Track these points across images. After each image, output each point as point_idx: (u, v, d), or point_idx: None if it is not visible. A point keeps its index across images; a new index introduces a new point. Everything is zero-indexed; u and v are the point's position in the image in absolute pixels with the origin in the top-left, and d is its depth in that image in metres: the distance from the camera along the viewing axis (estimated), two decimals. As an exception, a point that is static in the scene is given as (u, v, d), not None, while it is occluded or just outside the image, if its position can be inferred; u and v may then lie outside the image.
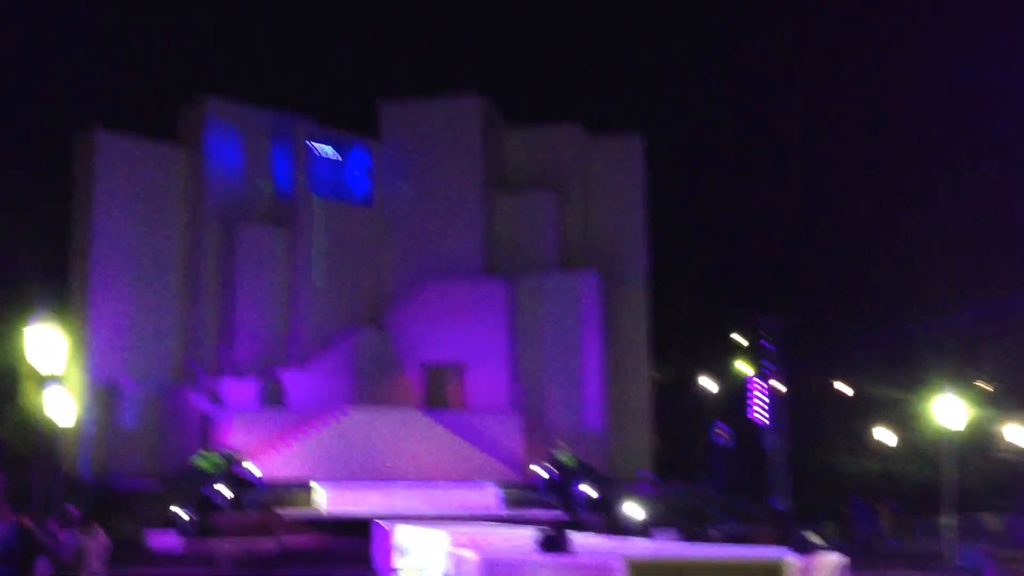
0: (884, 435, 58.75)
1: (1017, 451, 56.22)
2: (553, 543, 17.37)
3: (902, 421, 56.23)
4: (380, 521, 30.28)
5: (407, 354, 45.46)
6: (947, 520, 27.77)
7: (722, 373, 59.78)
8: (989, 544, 28.17)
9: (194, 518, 32.24)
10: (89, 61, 59.94)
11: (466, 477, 38.49)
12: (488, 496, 36.30)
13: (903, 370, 54.03)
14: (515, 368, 44.67)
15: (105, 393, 41.39)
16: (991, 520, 49.19)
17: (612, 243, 48.01)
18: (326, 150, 47.33)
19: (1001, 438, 55.22)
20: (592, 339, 44.85)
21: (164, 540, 30.68)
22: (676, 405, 57.06)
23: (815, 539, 17.66)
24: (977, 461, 53.75)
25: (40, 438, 16.73)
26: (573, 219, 48.06)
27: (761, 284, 60.71)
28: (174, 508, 32.45)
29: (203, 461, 35.52)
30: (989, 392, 56.22)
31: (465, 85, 49.38)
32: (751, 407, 51.22)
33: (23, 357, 17.84)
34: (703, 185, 63.69)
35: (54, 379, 20.49)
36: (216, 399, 41.43)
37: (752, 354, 55.46)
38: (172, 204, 44.63)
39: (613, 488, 38.58)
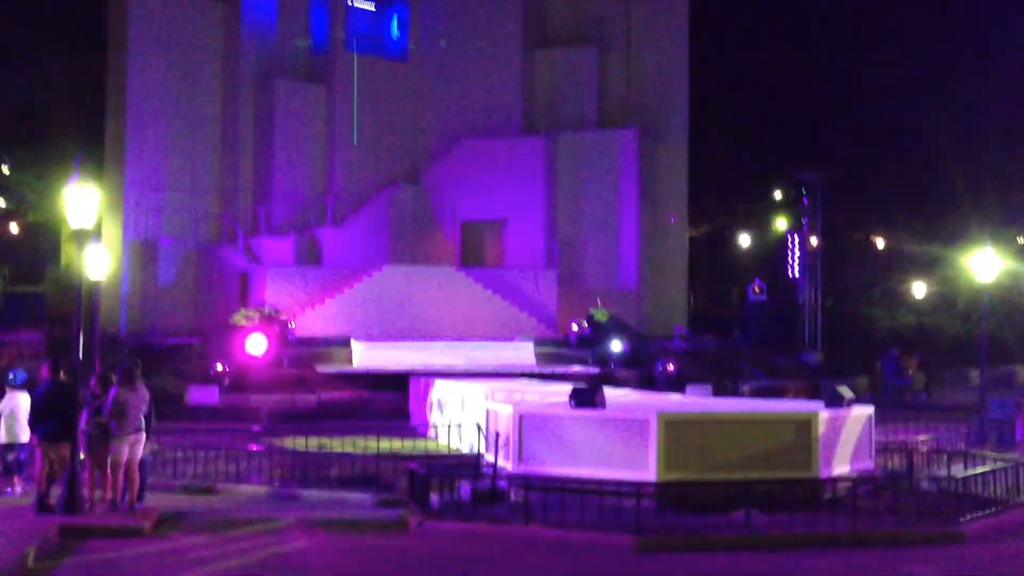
0: (919, 289, 58.68)
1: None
2: (586, 398, 17.71)
3: (937, 275, 56.16)
4: (418, 376, 30.92)
5: (444, 211, 45.58)
6: (979, 372, 27.94)
7: (759, 229, 59.65)
8: (1020, 395, 28.38)
9: (234, 374, 32.89)
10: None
11: (502, 334, 38.93)
12: (523, 352, 36.75)
13: (940, 224, 53.72)
14: (552, 226, 44.74)
15: (143, 251, 41.88)
16: (1022, 372, 49.47)
17: (652, 100, 47.38)
18: (365, 4, 46.72)
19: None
20: (629, 196, 44.73)
21: (203, 395, 31.33)
22: (712, 262, 57.19)
23: (846, 392, 17.91)
24: (1011, 314, 53.78)
25: (78, 295, 16.98)
26: (614, 75, 47.38)
27: (800, 139, 60.06)
28: (214, 364, 33.09)
29: (243, 319, 36.06)
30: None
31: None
32: (789, 263, 51.22)
33: (64, 216, 18.05)
34: (746, 40, 62.47)
35: (92, 235, 20.78)
36: (253, 257, 41.85)
37: (790, 209, 55.24)
38: (208, 60, 44.32)
39: (647, 344, 38.93)
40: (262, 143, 44.37)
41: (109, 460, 16.09)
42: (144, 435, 16.55)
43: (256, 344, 33.78)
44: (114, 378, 16.57)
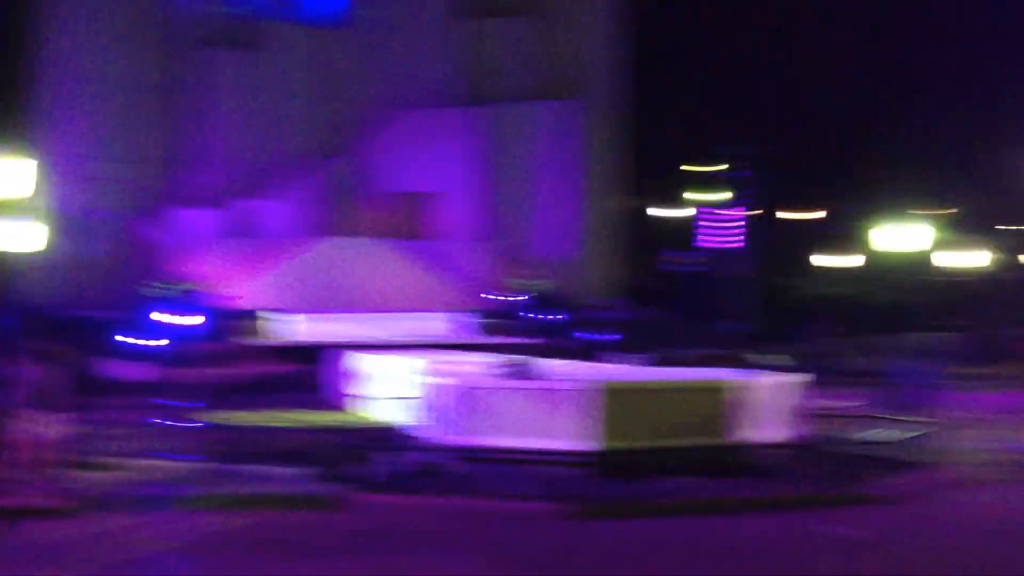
0: (845, 261, 59.79)
1: (972, 273, 57.61)
2: (523, 368, 17.84)
3: (865, 245, 57.17)
4: (352, 349, 30.78)
5: (381, 184, 45.28)
6: (899, 340, 28.66)
7: (697, 200, 60.24)
8: (936, 360, 29.16)
9: (162, 347, 32.50)
10: None
11: (440, 306, 38.89)
12: (462, 324, 36.79)
13: (872, 195, 54.61)
14: (491, 197, 44.70)
15: (72, 222, 41.11)
16: (941, 338, 50.75)
17: (592, 70, 47.40)
18: None
19: (960, 262, 56.47)
20: (569, 167, 44.83)
21: (131, 370, 30.91)
22: (652, 232, 57.66)
23: (779, 360, 18.24)
24: (936, 284, 55.00)
25: (2, 270, 16.57)
26: (550, 47, 47.31)
27: (740, 111, 60.58)
28: (141, 337, 32.66)
29: (176, 291, 35.64)
30: (943, 217, 57.16)
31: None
32: (726, 234, 51.86)
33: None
34: (686, 16, 62.71)
35: (15, 208, 20.35)
36: (181, 228, 41.33)
37: (729, 181, 55.87)
38: (138, 27, 43.48)
39: (587, 314, 39.12)
40: (191, 113, 43.75)
41: (19, 439, 15.74)
42: (58, 412, 16.16)
43: (180, 317, 33.44)
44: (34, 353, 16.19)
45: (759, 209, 50.56)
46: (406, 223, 45.16)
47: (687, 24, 62.41)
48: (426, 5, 46.07)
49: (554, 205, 44.65)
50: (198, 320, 34.16)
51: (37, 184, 18.10)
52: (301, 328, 34.77)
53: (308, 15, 46.20)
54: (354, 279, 39.22)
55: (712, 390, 17.54)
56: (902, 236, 28.43)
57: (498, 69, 46.58)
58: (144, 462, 18.74)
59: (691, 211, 57.95)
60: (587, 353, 33.83)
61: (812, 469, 16.51)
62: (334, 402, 26.66)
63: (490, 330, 36.96)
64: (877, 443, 17.23)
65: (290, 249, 39.50)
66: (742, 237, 50.63)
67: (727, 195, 52.58)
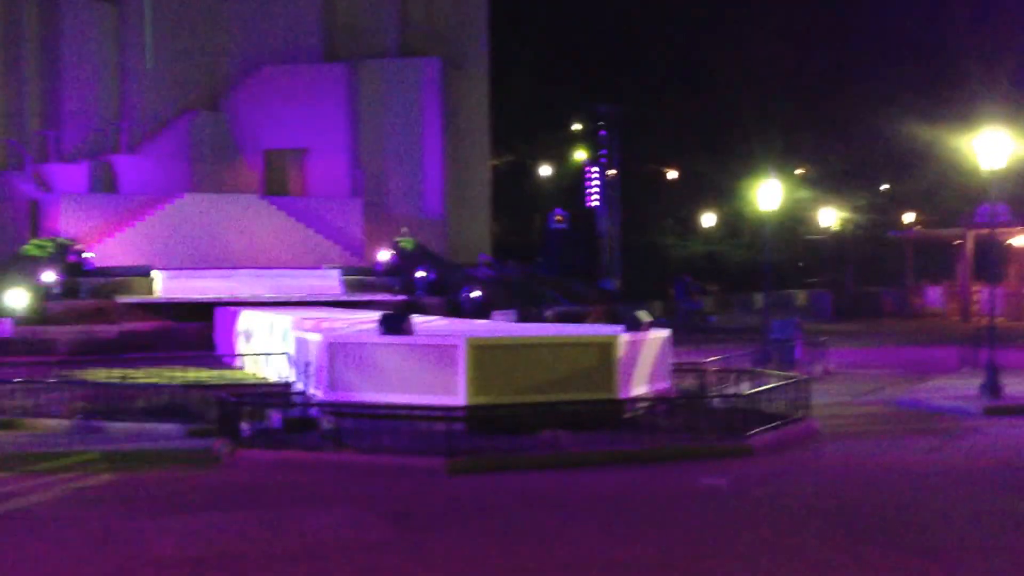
0: (708, 219, 61.34)
1: (826, 233, 59.74)
2: (394, 325, 17.96)
3: (725, 206, 58.71)
4: (224, 306, 30.58)
5: (246, 140, 44.75)
6: (762, 297, 29.66)
7: (560, 160, 60.85)
8: (799, 317, 30.31)
9: (28, 305, 31.79)
10: None
11: (308, 262, 38.78)
12: (330, 281, 36.74)
13: (729, 157, 56.03)
14: (356, 154, 44.55)
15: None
16: (800, 296, 52.69)
17: (454, 29, 47.52)
18: None
19: (814, 222, 58.48)
20: (433, 125, 44.91)
21: (3, 327, 30.23)
22: (514, 191, 58.12)
23: (645, 317, 18.77)
24: (792, 243, 56.84)
25: None
26: (415, 3, 47.22)
27: (598, 73, 61.27)
28: (5, 296, 31.89)
29: (35, 248, 34.77)
30: (806, 177, 58.98)
31: None
32: (587, 193, 52.56)
33: None
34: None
35: None
36: (44, 185, 40.24)
37: (588, 141, 56.53)
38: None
39: (453, 272, 39.47)
40: (48, 65, 42.48)
41: None
42: None
43: (52, 277, 32.76)
44: None
45: (614, 168, 51.42)
46: (274, 179, 44.79)
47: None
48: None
49: (421, 162, 44.75)
50: (73, 277, 33.49)
51: None
52: (178, 285, 34.28)
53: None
54: (222, 235, 38.81)
55: (577, 345, 17.96)
56: (759, 194, 29.38)
57: (362, 25, 46.33)
58: (19, 419, 18.44)
59: (566, 169, 58.59)
60: (453, 310, 34.22)
61: (683, 422, 16.82)
62: (226, 360, 26.48)
63: (361, 287, 37.03)
64: (746, 396, 17.83)
65: (156, 205, 38.82)
66: (599, 195, 51.47)
67: (594, 153, 53.30)
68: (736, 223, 59.34)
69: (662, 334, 19.11)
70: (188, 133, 43.72)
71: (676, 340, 20.35)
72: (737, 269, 56.32)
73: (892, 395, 22.65)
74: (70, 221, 37.52)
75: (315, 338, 18.49)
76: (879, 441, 17.29)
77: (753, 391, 18.30)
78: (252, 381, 22.26)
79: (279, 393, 19.33)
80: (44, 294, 32.75)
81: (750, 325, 35.38)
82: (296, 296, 33.56)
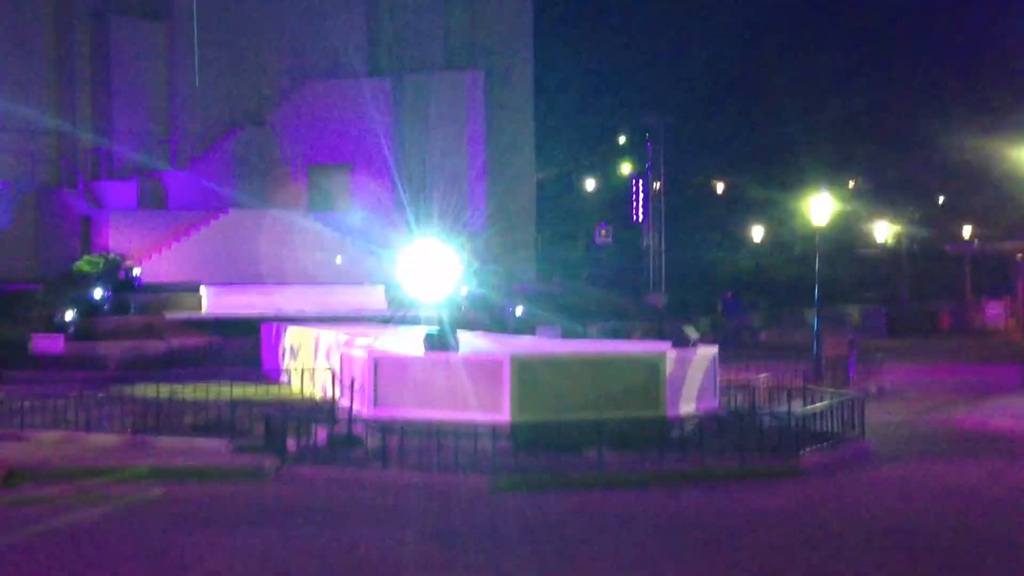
0: (757, 233, 60.80)
1: (880, 247, 59.04)
2: (439, 341, 17.89)
3: (774, 219, 58.20)
4: (270, 322, 30.67)
5: (291, 155, 44.95)
6: (814, 312, 29.24)
7: (604, 173, 60.66)
8: (852, 334, 29.82)
9: (79, 321, 32.08)
10: None
11: (353, 278, 38.82)
12: (375, 296, 36.77)
13: (777, 169, 55.60)
14: (401, 169, 44.62)
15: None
16: (854, 311, 52.01)
17: (498, 43, 47.51)
18: None
19: (867, 235, 57.81)
20: (477, 139, 44.90)
21: (48, 343, 30.52)
22: (559, 205, 57.99)
23: (692, 333, 18.56)
24: (844, 257, 56.18)
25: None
26: (459, 17, 47.31)
27: (646, 84, 61.09)
28: (58, 312, 32.21)
29: (86, 265, 35.10)
30: (858, 190, 58.36)
31: None
32: (633, 207, 52.32)
33: None
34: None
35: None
36: (96, 201, 40.65)
37: (633, 154, 56.31)
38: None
39: (498, 287, 39.34)
40: (100, 83, 42.93)
41: None
42: None
43: (102, 292, 33.11)
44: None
45: (662, 179, 51.12)
46: (319, 194, 44.95)
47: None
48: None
49: (465, 176, 44.71)
50: (123, 293, 33.83)
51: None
52: (225, 301, 34.51)
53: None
54: (268, 251, 38.94)
55: (624, 362, 17.78)
56: (810, 207, 28.94)
57: (406, 39, 46.43)
58: (72, 434, 18.54)
59: (611, 182, 58.42)
60: (498, 325, 34.11)
61: (732, 441, 16.39)
62: (272, 376, 26.56)
63: (405, 302, 36.93)
64: (797, 415, 17.40)
65: (204, 221, 39.07)
66: (645, 209, 51.19)
67: (640, 166, 53.06)
68: (786, 236, 58.78)
69: (710, 351, 18.86)
70: (234, 149, 44.01)
71: (724, 356, 20.06)
72: (787, 284, 55.71)
73: (951, 415, 22.10)
74: (120, 237, 37.84)
75: (360, 354, 18.46)
76: (938, 463, 16.80)
77: (805, 409, 17.98)
78: (298, 398, 22.27)
79: (324, 410, 19.29)
80: (95, 310, 33.06)
81: (801, 342, 34.89)
82: (341, 312, 33.59)
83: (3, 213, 40.30)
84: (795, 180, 47.75)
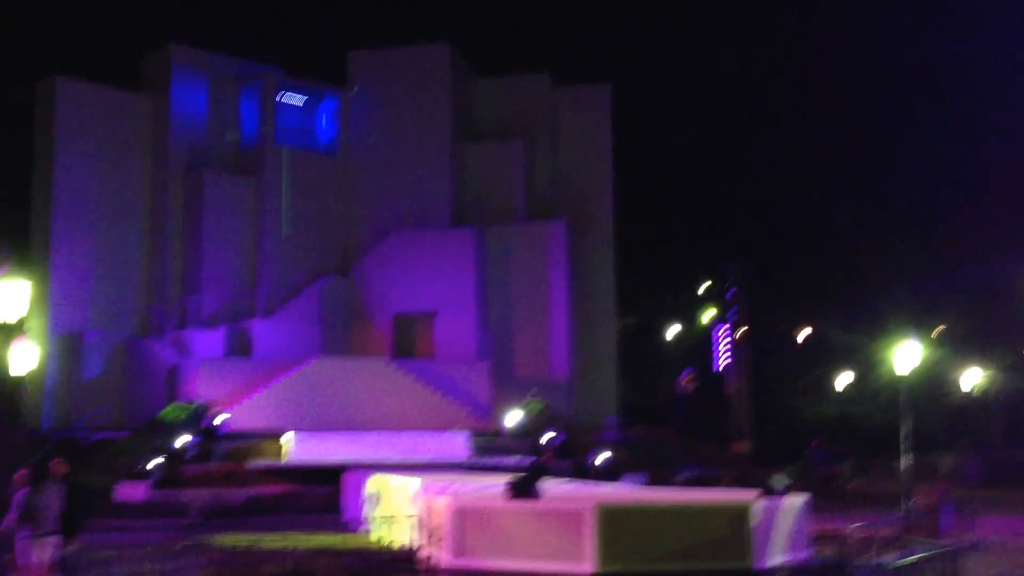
0: (841, 379, 59.80)
1: (970, 395, 57.58)
2: (522, 489, 17.70)
3: (860, 365, 57.21)
4: (351, 470, 30.60)
5: (376, 304, 45.59)
6: (902, 462, 28.41)
7: (686, 319, 60.40)
8: (945, 483, 28.83)
9: (163, 469, 32.31)
10: (52, 7, 59.09)
11: (435, 426, 38.79)
12: (458, 444, 36.62)
13: (859, 313, 54.89)
14: (484, 317, 44.92)
15: (69, 344, 41.26)
16: (945, 460, 50.41)
17: (579, 192, 48.23)
18: (294, 99, 47.12)
19: (955, 383, 56.50)
20: (559, 287, 45.16)
21: (132, 491, 30.77)
22: (641, 352, 57.69)
23: (780, 481, 18.12)
24: (932, 404, 54.85)
25: (3, 391, 16.55)
26: (541, 168, 48.19)
27: (725, 230, 61.30)
28: (143, 460, 32.50)
29: (171, 412, 35.56)
30: (945, 337, 57.28)
31: (434, 35, 49.20)
32: (715, 353, 51.85)
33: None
34: (669, 132, 63.99)
35: (17, 329, 20.44)
36: (182, 349, 41.39)
37: (716, 300, 56.07)
38: (136, 152, 44.31)
39: (581, 434, 38.99)
40: (191, 235, 44.18)
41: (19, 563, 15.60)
42: (62, 536, 16.04)
43: (187, 441, 33.42)
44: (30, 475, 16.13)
45: (745, 326, 50.69)
46: (402, 343, 45.32)
47: (670, 140, 63.63)
48: (417, 128, 47.01)
49: (548, 324, 44.87)
50: (207, 440, 34.14)
51: (37, 307, 18.21)
52: (307, 448, 34.61)
53: (301, 140, 47.14)
54: (351, 399, 39.18)
55: (710, 511, 17.38)
56: (896, 355, 28.43)
57: (489, 190, 47.30)
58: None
59: (693, 328, 58.04)
60: (581, 473, 33.64)
61: None
62: (352, 525, 26.37)
63: (489, 450, 36.79)
64: (894, 567, 16.73)
65: (288, 369, 39.50)
66: (729, 355, 50.65)
67: (722, 312, 52.76)
68: (871, 382, 57.69)
69: (799, 499, 18.38)
70: (319, 298, 44.77)
71: (814, 506, 19.51)
72: (876, 432, 54.46)
73: (1054, 568, 21.16)
74: (206, 384, 38.36)
75: (442, 502, 18.28)
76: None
77: (899, 562, 17.31)
78: (378, 546, 22.04)
79: (405, 559, 19.03)
80: (179, 458, 33.32)
81: (891, 491, 33.80)
82: (424, 459, 33.47)
83: (93, 362, 41.23)
84: (877, 324, 47.06)
